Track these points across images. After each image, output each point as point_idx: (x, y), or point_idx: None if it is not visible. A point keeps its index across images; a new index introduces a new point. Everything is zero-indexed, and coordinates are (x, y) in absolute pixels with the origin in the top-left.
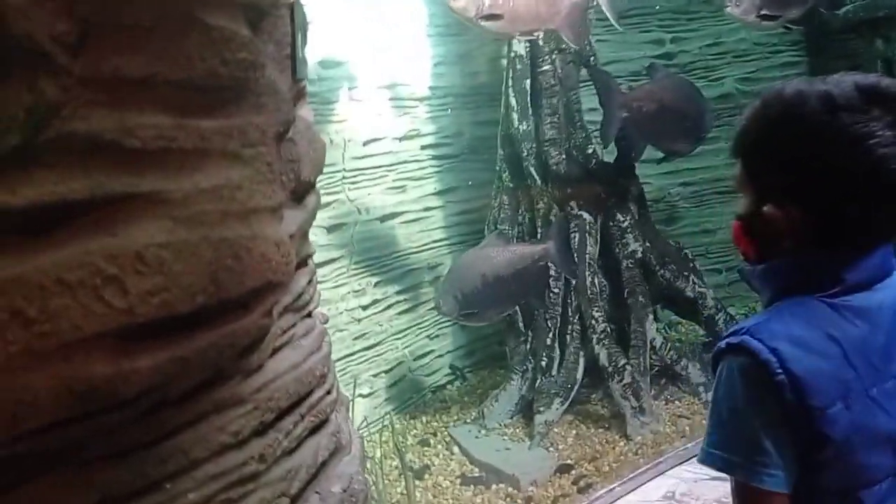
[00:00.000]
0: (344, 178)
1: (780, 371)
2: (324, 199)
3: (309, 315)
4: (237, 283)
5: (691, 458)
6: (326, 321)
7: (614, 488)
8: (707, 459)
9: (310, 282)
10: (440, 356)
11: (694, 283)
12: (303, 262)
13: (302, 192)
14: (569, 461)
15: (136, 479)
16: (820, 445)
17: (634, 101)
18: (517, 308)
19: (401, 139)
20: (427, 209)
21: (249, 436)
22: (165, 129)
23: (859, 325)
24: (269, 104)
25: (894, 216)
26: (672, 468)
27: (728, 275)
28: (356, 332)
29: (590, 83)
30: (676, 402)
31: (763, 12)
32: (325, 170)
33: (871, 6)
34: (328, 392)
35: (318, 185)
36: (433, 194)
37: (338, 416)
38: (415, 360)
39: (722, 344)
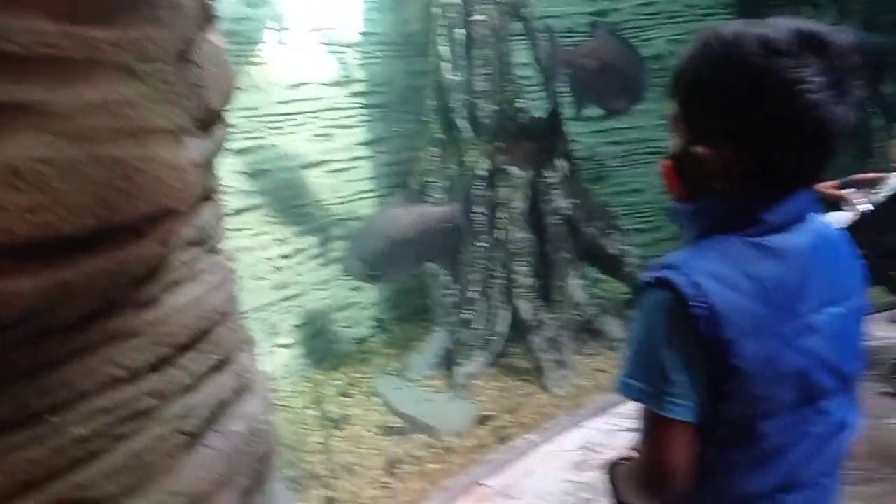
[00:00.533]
0: (267, 122)
1: (697, 304)
2: (246, 144)
3: (214, 251)
4: (129, 206)
5: (609, 409)
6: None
7: (532, 438)
8: (620, 387)
9: (216, 217)
10: (364, 308)
11: (618, 241)
12: (208, 196)
13: (208, 120)
14: (489, 412)
15: (15, 410)
16: (728, 376)
17: (577, 58)
18: (443, 261)
19: (328, 85)
20: (355, 158)
21: (143, 370)
22: (49, 35)
23: (776, 264)
24: (168, 18)
25: (821, 162)
26: (589, 419)
27: (653, 234)
28: (277, 281)
29: (523, 36)
30: (596, 356)
31: None
32: (248, 114)
33: None
34: (233, 330)
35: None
36: (361, 143)
37: (242, 356)
38: (338, 311)
39: (645, 277)
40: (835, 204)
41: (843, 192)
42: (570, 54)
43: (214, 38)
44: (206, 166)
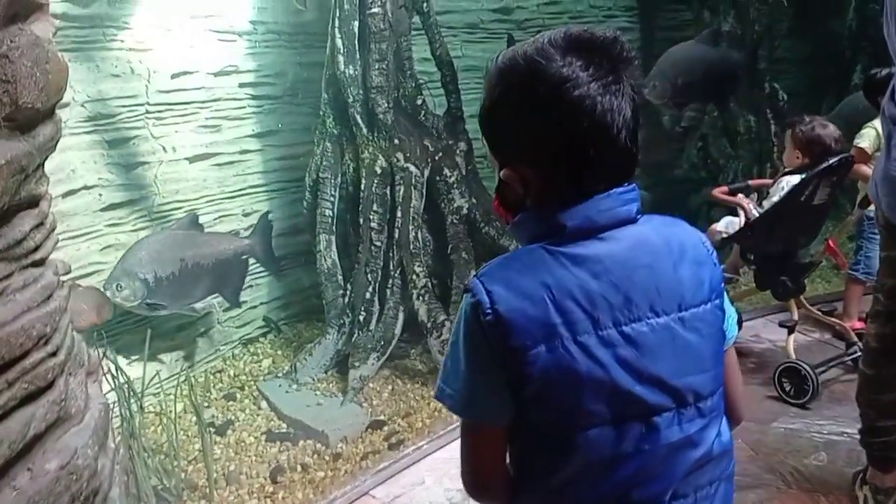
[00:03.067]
0: (147, 112)
1: (488, 311)
2: (124, 135)
3: (36, 264)
4: None
5: None
6: (67, 271)
7: (423, 445)
8: (436, 392)
9: (39, 227)
10: (253, 307)
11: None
12: (28, 204)
13: (23, 119)
14: (382, 417)
15: None
16: (524, 383)
17: None
18: (336, 260)
19: (216, 74)
20: (244, 152)
21: None
22: None
23: (576, 272)
24: None
25: (615, 158)
26: None
27: None
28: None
29: (422, 31)
30: None
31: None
32: (126, 103)
33: None
34: (52, 354)
35: (58, 116)
36: (251, 136)
37: (67, 382)
38: (224, 311)
39: (467, 282)
40: (730, 209)
41: (736, 197)
42: None
43: (39, 28)
44: (20, 170)
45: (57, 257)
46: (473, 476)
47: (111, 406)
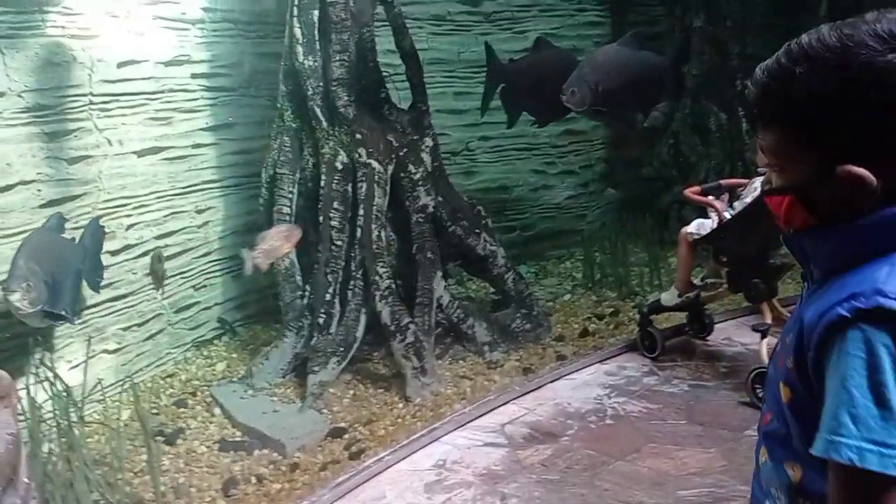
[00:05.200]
0: (91, 103)
1: None
2: (66, 127)
3: None
4: None
5: (469, 422)
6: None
7: (384, 457)
8: (832, 449)
9: None
10: (207, 308)
11: (486, 240)
12: None
13: None
14: (342, 424)
15: None
16: None
17: (514, 73)
18: (295, 260)
19: (166, 64)
20: (197, 146)
21: None
22: None
23: None
24: None
25: None
26: (447, 434)
27: (522, 233)
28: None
29: (386, 22)
30: (461, 361)
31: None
32: (68, 93)
33: None
34: None
35: None
36: (205, 129)
37: None
38: (176, 312)
39: (842, 311)
40: (701, 209)
41: (708, 198)
42: (508, 69)
43: None
44: None
45: None
46: None
47: (46, 416)
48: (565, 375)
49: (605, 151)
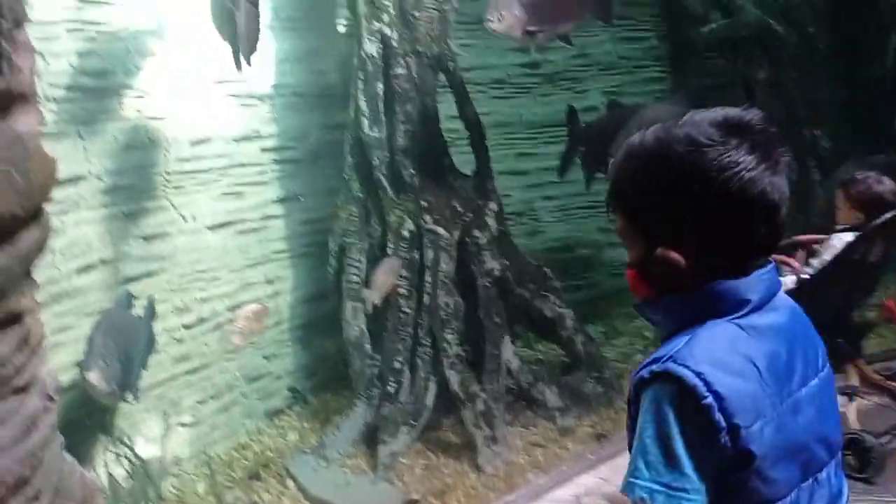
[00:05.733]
0: (166, 181)
1: (707, 394)
2: (142, 205)
3: (17, 391)
4: None
5: (543, 493)
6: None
7: None
8: (628, 489)
9: (21, 347)
10: (278, 378)
11: (553, 302)
12: (6, 321)
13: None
14: (415, 496)
15: None
16: (742, 464)
17: (592, 134)
18: (364, 329)
19: (237, 140)
20: (266, 217)
21: None
22: None
23: (765, 344)
24: None
25: (776, 233)
26: None
27: (589, 292)
28: (177, 353)
29: (449, 88)
30: (531, 427)
31: (529, 28)
32: (144, 173)
33: (735, 26)
34: (34, 498)
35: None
36: (274, 201)
37: None
38: (248, 383)
39: (644, 373)
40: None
41: (784, 256)
42: (588, 132)
43: (23, 120)
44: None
45: (49, 367)
46: None
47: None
48: None
49: None
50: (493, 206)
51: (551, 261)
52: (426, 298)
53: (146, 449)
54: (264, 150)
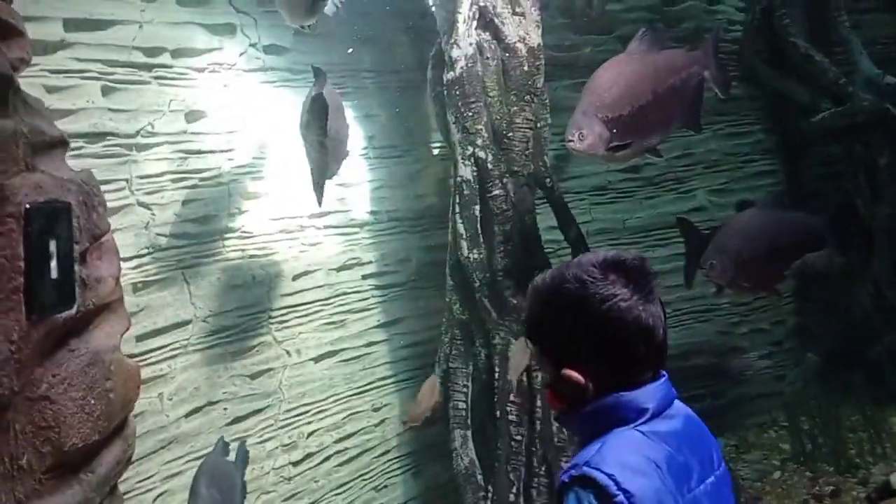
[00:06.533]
0: (270, 318)
1: (617, 492)
2: (248, 344)
3: None
4: None
5: None
6: None
7: None
8: None
9: None
10: None
11: None
12: None
13: (72, 461)
14: None
15: None
16: None
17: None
18: (475, 459)
19: (337, 269)
20: (370, 344)
21: None
22: None
23: (665, 446)
24: None
25: (654, 352)
26: None
27: (713, 401)
28: (286, 492)
29: (547, 203)
30: None
31: (613, 144)
32: (249, 311)
33: (849, 112)
34: None
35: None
36: (376, 327)
37: None
38: None
39: (564, 478)
40: None
41: None
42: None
43: (104, 331)
44: None
45: None
46: None
47: None
48: None
49: (795, 304)
50: None
51: (668, 371)
52: (538, 425)
53: None
54: (365, 276)
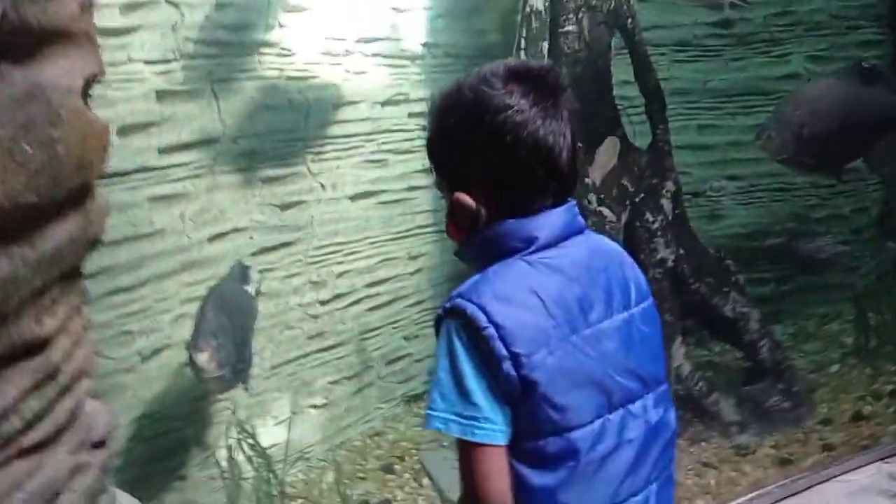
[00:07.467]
0: (306, 146)
1: (487, 325)
2: (280, 172)
3: (33, 450)
4: None
5: None
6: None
7: None
8: (427, 423)
9: (38, 390)
10: (418, 360)
11: (735, 300)
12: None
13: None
14: None
15: None
16: (528, 391)
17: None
18: None
19: (383, 104)
20: (411, 188)
21: None
22: None
23: (556, 278)
24: None
25: (561, 175)
26: None
27: (777, 286)
28: (311, 330)
29: (625, 51)
30: (703, 443)
31: None
32: (283, 137)
33: None
34: None
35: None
36: (420, 171)
37: None
38: (386, 364)
39: (440, 310)
40: None
41: None
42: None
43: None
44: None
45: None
46: None
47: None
48: (835, 477)
49: (882, 192)
50: (669, 185)
51: (734, 250)
52: None
53: (271, 432)
54: (412, 115)
